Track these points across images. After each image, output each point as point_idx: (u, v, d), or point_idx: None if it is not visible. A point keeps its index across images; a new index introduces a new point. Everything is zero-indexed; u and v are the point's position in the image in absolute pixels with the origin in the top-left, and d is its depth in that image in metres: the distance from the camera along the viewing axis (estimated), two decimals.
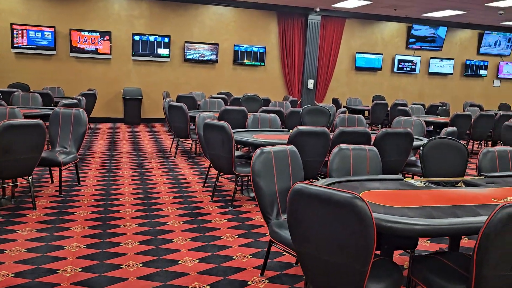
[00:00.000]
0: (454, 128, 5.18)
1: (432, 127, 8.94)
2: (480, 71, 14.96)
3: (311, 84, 12.96)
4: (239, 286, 3.09)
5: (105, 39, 11.17)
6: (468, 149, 3.84)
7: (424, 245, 4.00)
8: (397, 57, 13.89)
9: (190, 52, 11.87)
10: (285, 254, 3.60)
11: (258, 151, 3.07)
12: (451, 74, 14.65)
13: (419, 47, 14.06)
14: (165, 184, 5.67)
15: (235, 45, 12.27)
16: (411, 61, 14.06)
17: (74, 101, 6.98)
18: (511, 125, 6.69)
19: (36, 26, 10.71)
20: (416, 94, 14.49)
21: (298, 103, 12.62)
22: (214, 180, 5.25)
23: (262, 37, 12.58)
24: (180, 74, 12.05)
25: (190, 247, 3.69)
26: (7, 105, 6.95)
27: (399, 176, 3.20)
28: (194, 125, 6.87)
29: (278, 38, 12.72)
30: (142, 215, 4.45)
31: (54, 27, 10.82)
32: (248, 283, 3.13)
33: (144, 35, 11.46)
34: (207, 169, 5.93)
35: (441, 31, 14.05)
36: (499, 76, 15.31)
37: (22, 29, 10.62)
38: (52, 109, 6.17)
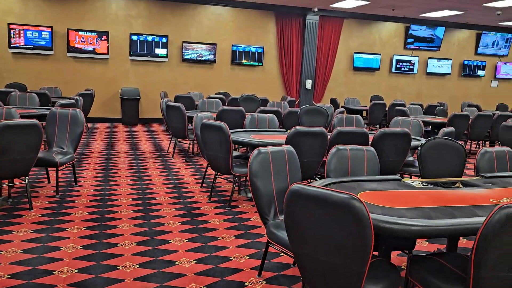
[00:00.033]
0: (452, 128, 5.17)
1: (430, 127, 8.94)
2: (478, 71, 14.97)
3: (309, 84, 12.95)
4: (236, 287, 3.08)
5: (102, 39, 11.15)
6: (466, 149, 3.84)
7: (422, 246, 3.99)
8: (395, 57, 13.89)
9: (188, 52, 11.85)
10: (282, 255, 3.59)
11: (255, 151, 3.06)
12: (449, 74, 14.66)
13: (417, 47, 14.06)
14: (162, 185, 5.65)
15: (233, 45, 12.26)
16: (409, 61, 14.07)
17: (72, 101, 6.96)
18: (509, 125, 6.70)
19: (33, 26, 10.68)
20: (414, 94, 14.50)
21: (296, 103, 12.61)
22: (212, 180, 5.23)
23: (260, 37, 12.57)
24: (178, 74, 12.03)
25: (187, 248, 3.68)
26: (4, 105, 6.93)
27: (397, 176, 3.20)
28: (191, 125, 6.86)
29: (276, 38, 12.71)
30: (139, 215, 4.43)
31: (51, 27, 10.79)
32: (246, 284, 3.12)
33: (142, 35, 11.43)
34: (204, 170, 5.92)
35: (439, 31, 14.07)
36: (496, 76, 15.32)
37: (20, 29, 10.59)
38: (49, 109, 6.14)
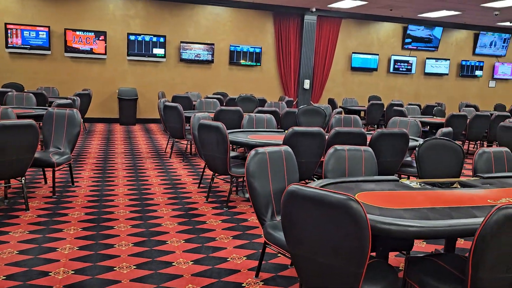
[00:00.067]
0: (449, 129, 5.17)
1: (428, 127, 8.94)
2: (476, 71, 14.99)
3: (307, 84, 12.94)
4: None
5: (100, 39, 11.12)
6: (464, 150, 3.83)
7: (420, 246, 3.98)
8: (393, 58, 13.89)
9: (186, 52, 11.83)
10: (280, 256, 3.57)
11: (252, 152, 3.04)
12: (447, 74, 14.67)
13: (415, 47, 14.07)
14: (159, 185, 5.63)
15: (231, 45, 12.25)
16: (407, 62, 14.08)
17: (69, 101, 6.94)
18: (507, 125, 6.70)
19: (30, 25, 10.65)
20: (412, 95, 14.51)
21: (294, 103, 12.59)
22: (209, 180, 5.22)
23: (258, 37, 12.56)
24: (176, 74, 12.01)
25: (184, 249, 3.66)
26: (1, 105, 6.90)
27: (395, 177, 3.18)
28: (189, 125, 6.84)
29: (274, 38, 12.70)
30: (136, 216, 4.41)
31: (48, 27, 10.76)
32: (243, 285, 3.11)
33: (139, 35, 11.41)
34: (202, 170, 5.90)
35: (437, 31, 14.07)
36: (494, 77, 15.34)
37: (17, 29, 10.56)
38: (46, 109, 6.12)
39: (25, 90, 9.35)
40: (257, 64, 12.56)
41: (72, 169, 5.61)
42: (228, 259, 3.50)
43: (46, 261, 3.32)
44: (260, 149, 3.08)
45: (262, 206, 2.97)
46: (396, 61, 13.95)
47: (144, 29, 11.52)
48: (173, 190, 5.44)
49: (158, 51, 11.59)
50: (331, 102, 11.23)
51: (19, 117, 5.53)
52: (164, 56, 11.68)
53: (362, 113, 11.31)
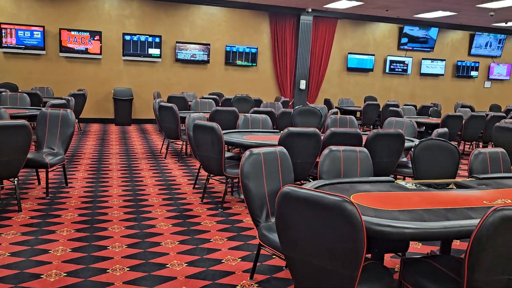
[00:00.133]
0: (445, 129, 5.16)
1: (424, 128, 8.94)
2: (471, 72, 15.02)
3: (303, 84, 12.93)
4: None
5: (95, 39, 11.06)
6: (459, 150, 3.82)
7: (416, 248, 3.96)
8: (389, 58, 13.90)
9: (182, 52, 11.79)
10: (275, 258, 3.55)
11: (247, 152, 3.02)
12: (443, 75, 14.69)
13: (410, 48, 14.09)
14: (154, 186, 5.60)
15: (226, 46, 12.22)
16: (402, 62, 14.09)
17: (63, 101, 6.89)
18: (502, 126, 6.70)
19: (25, 25, 10.58)
20: (408, 95, 14.52)
21: (290, 103, 12.58)
22: (204, 181, 5.18)
23: (254, 38, 12.54)
24: (171, 74, 11.97)
25: (178, 250, 3.63)
26: None
27: (390, 178, 3.17)
28: (184, 125, 6.80)
29: (270, 39, 12.68)
30: (131, 217, 4.38)
31: (43, 27, 10.70)
32: (237, 287, 3.08)
33: (135, 35, 11.36)
34: (197, 171, 5.87)
35: (433, 32, 14.10)
36: (490, 77, 15.38)
37: (11, 29, 10.49)
38: (40, 109, 6.07)
39: (19, 90, 9.29)
40: (253, 64, 12.54)
41: (66, 170, 5.56)
42: (222, 261, 3.48)
43: (38, 263, 3.28)
44: (255, 150, 3.05)
45: (256, 208, 2.95)
46: (392, 62, 13.96)
47: (140, 29, 11.47)
48: (168, 191, 5.41)
49: (153, 51, 11.55)
50: (327, 102, 11.22)
51: (12, 117, 5.49)
52: (160, 56, 11.64)
53: (358, 114, 11.30)
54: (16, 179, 4.31)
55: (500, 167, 3.68)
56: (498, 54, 15.27)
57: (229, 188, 5.48)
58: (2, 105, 7.17)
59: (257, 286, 3.10)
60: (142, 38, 11.41)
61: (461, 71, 14.88)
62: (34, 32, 10.64)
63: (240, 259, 3.52)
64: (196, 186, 5.65)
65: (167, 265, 3.35)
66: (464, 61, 14.85)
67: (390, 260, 3.62)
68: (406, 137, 5.17)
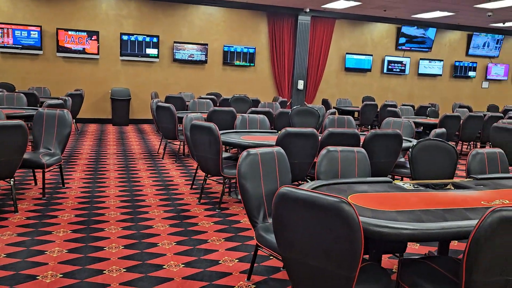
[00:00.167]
0: (443, 130, 5.15)
1: (422, 128, 8.94)
2: (469, 72, 15.04)
3: (301, 85, 12.92)
4: None
5: (92, 38, 11.04)
6: (457, 151, 3.81)
7: (413, 248, 3.95)
8: (387, 58, 13.90)
9: (179, 52, 11.77)
10: (272, 258, 3.53)
11: (244, 153, 3.00)
12: (440, 75, 14.71)
13: (408, 48, 14.09)
14: (152, 186, 5.58)
15: (224, 46, 12.20)
16: (400, 62, 14.09)
17: (60, 101, 6.86)
18: (500, 126, 6.70)
19: (22, 25, 10.55)
20: (406, 95, 14.53)
21: (288, 104, 12.57)
22: (202, 182, 5.16)
23: (252, 38, 12.52)
24: (169, 74, 11.95)
25: (175, 251, 3.61)
26: None
27: (388, 178, 3.16)
28: (182, 126, 6.79)
29: (268, 39, 12.67)
30: (127, 218, 4.36)
31: (40, 27, 10.66)
32: None
33: (132, 35, 11.34)
34: (194, 171, 5.85)
35: (430, 32, 14.10)
36: (487, 78, 15.40)
37: (8, 28, 10.45)
38: (36, 109, 6.05)
39: (16, 90, 9.26)
40: (251, 64, 12.52)
41: (63, 170, 5.54)
42: (219, 262, 3.46)
43: (34, 264, 3.26)
44: (252, 150, 3.04)
45: (254, 208, 2.93)
46: (389, 62, 13.96)
47: (137, 29, 11.45)
48: (165, 191, 5.39)
49: (151, 51, 11.52)
50: (325, 102, 11.22)
51: (8, 117, 5.46)
52: (157, 56, 11.61)
53: (356, 114, 11.30)
54: (12, 179, 4.29)
55: (498, 167, 3.67)
56: (496, 55, 15.29)
57: (227, 189, 5.47)
58: None
59: (254, 287, 3.08)
60: (140, 38, 11.38)
61: (459, 72, 14.90)
62: (31, 32, 10.60)
63: (237, 260, 3.51)
64: (193, 186, 5.63)
65: (164, 266, 3.33)
66: (462, 62, 14.87)
67: (388, 261, 3.61)
68: (404, 138, 5.16)
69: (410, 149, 3.80)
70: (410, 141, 5.26)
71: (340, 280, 2.01)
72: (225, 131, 5.41)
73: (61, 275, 3.10)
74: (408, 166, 4.40)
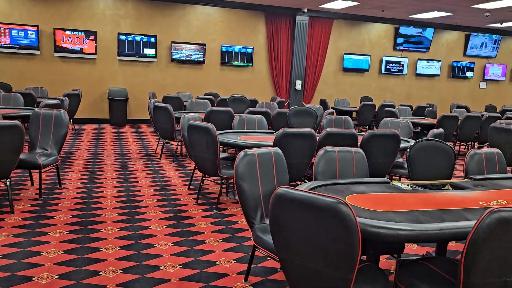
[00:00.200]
0: (441, 130, 5.15)
1: (419, 128, 8.94)
2: (467, 72, 15.05)
3: (298, 85, 12.91)
4: None
5: (90, 38, 11.01)
6: (455, 151, 3.80)
7: (411, 249, 3.95)
8: (385, 58, 13.91)
9: (177, 52, 11.75)
10: (269, 259, 3.52)
11: (241, 153, 2.99)
12: (438, 75, 14.72)
13: (406, 48, 14.10)
14: (149, 187, 5.56)
15: (222, 46, 12.18)
16: (398, 63, 14.10)
17: (56, 101, 6.83)
18: (498, 126, 6.70)
19: (19, 25, 10.51)
20: (404, 96, 14.53)
21: (286, 104, 12.56)
22: (199, 182, 5.15)
23: (249, 38, 12.51)
24: (167, 74, 11.92)
25: (172, 252, 3.59)
26: None
27: (386, 178, 3.14)
28: (179, 126, 6.77)
29: (266, 39, 12.66)
30: (124, 218, 4.34)
31: (37, 26, 10.63)
32: None
33: (130, 35, 11.31)
34: (192, 171, 5.83)
35: (428, 32, 14.11)
36: (485, 78, 15.42)
37: (5, 28, 10.42)
38: (33, 109, 6.02)
39: (13, 90, 9.22)
40: (249, 64, 12.51)
41: (60, 171, 5.51)
42: (217, 263, 3.44)
43: (30, 265, 3.23)
44: (249, 151, 3.02)
45: (251, 209, 2.92)
46: (387, 62, 13.96)
47: (135, 29, 11.42)
48: (163, 192, 5.37)
49: (148, 51, 11.50)
50: (323, 103, 11.20)
51: (5, 117, 5.44)
52: (155, 56, 11.59)
53: (354, 114, 11.30)
54: (8, 180, 4.27)
55: (495, 167, 3.66)
56: (494, 55, 15.31)
57: (224, 189, 5.45)
58: None
59: None
60: (137, 38, 11.36)
61: (457, 72, 14.91)
62: (28, 32, 10.57)
63: (234, 261, 3.49)
64: (191, 187, 5.61)
65: (161, 267, 3.31)
66: (459, 62, 14.88)
67: (386, 262, 3.60)
68: (401, 138, 5.15)
69: (408, 150, 3.79)
70: (408, 142, 5.25)
71: (338, 281, 1.99)
72: (222, 131, 5.40)
73: (57, 276, 3.08)
74: (406, 166, 4.39)
